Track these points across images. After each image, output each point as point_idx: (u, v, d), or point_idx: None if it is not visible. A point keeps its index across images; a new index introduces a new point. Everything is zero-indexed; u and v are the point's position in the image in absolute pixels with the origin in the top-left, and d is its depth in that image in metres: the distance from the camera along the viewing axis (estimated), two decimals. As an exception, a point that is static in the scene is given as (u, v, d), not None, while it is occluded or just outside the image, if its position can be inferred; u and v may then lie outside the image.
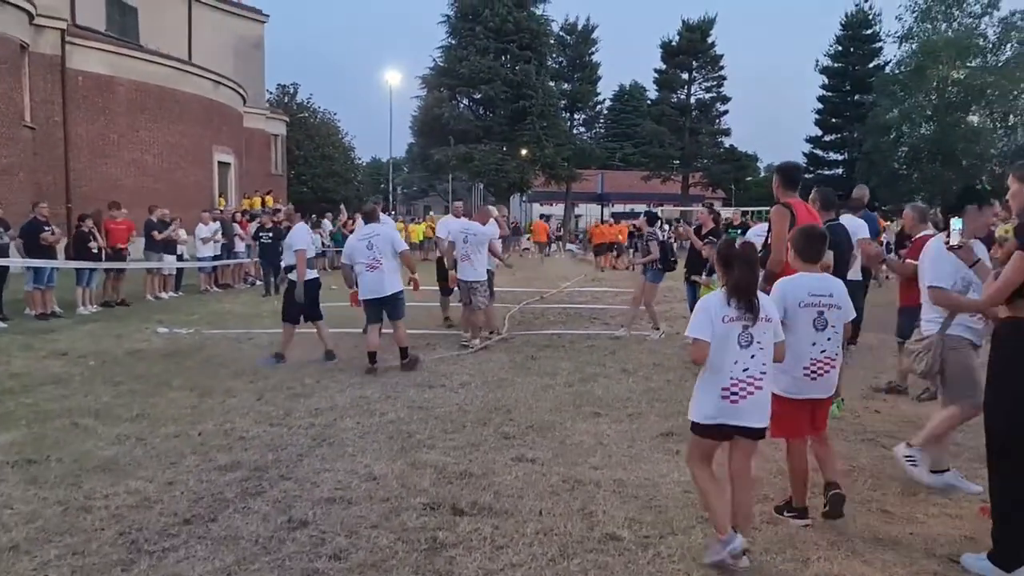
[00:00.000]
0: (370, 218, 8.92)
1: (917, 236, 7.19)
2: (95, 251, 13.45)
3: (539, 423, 6.19)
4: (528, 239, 39.47)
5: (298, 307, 8.75)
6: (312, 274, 8.89)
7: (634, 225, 28.27)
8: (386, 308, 8.53)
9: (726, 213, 21.12)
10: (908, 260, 7.07)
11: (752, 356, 3.68)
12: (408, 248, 9.62)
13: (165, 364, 8.73)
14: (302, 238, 8.70)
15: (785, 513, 4.28)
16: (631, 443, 5.64)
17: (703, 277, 10.02)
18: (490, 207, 11.58)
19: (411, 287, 8.94)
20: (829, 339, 4.15)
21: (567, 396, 7.17)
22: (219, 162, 30.89)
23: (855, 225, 8.20)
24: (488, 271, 10.39)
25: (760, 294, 3.78)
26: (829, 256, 6.15)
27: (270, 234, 16.39)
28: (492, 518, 4.24)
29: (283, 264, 9.06)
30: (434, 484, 4.77)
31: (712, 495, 3.73)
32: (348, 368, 8.52)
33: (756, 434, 3.77)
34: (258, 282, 19.38)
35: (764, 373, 3.70)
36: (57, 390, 7.37)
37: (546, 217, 47.31)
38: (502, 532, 4.05)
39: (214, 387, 7.48)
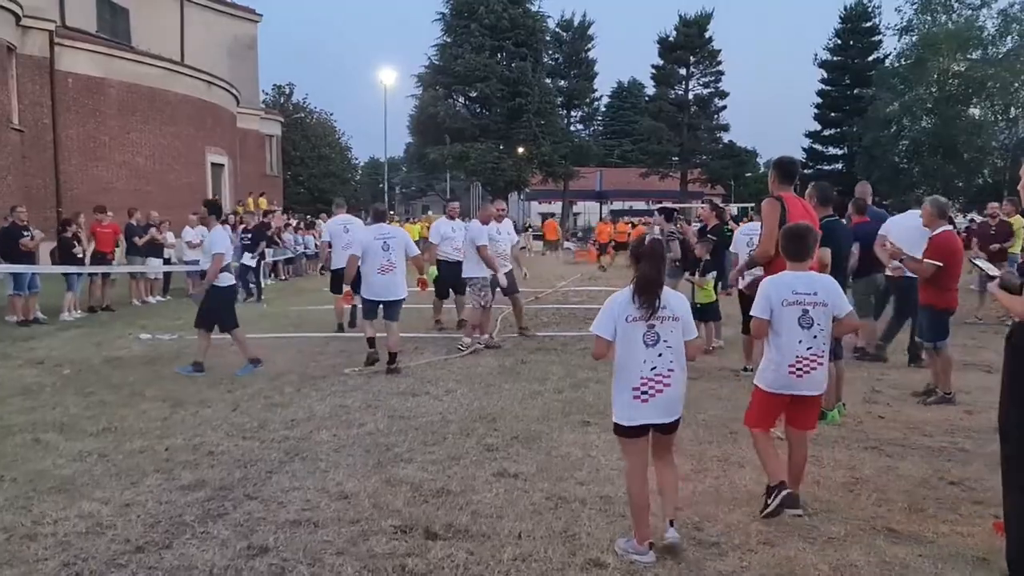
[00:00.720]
0: (380, 218, 8.95)
1: (935, 232, 6.84)
2: (79, 256, 13.15)
3: (525, 433, 5.89)
4: (521, 238, 39.19)
5: (225, 311, 8.41)
6: (229, 280, 8.51)
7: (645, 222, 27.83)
8: (385, 309, 8.45)
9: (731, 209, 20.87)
10: (927, 259, 6.75)
11: (659, 355, 3.72)
12: (419, 253, 9.46)
13: (142, 372, 8.44)
14: (221, 242, 8.36)
15: (768, 501, 4.18)
16: (621, 455, 5.30)
17: (696, 277, 9.71)
18: (495, 202, 11.17)
19: (419, 287, 9.04)
20: (815, 337, 4.16)
21: (556, 403, 6.87)
22: (212, 163, 30.56)
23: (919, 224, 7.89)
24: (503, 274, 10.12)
25: (671, 292, 3.83)
26: (826, 254, 5.89)
27: (249, 236, 16.11)
28: (467, 542, 3.93)
29: (200, 268, 8.66)
30: (408, 503, 4.47)
31: (637, 503, 3.79)
32: (331, 374, 8.23)
33: (668, 428, 3.83)
34: (250, 284, 19.09)
35: (672, 370, 3.74)
36: (26, 402, 7.08)
37: (549, 216, 46.96)
38: (477, 558, 3.75)
39: (189, 397, 7.17)
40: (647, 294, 3.71)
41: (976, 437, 5.78)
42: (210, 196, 29.39)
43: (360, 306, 9.22)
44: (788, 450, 4.45)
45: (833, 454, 5.36)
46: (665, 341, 3.73)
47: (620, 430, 3.81)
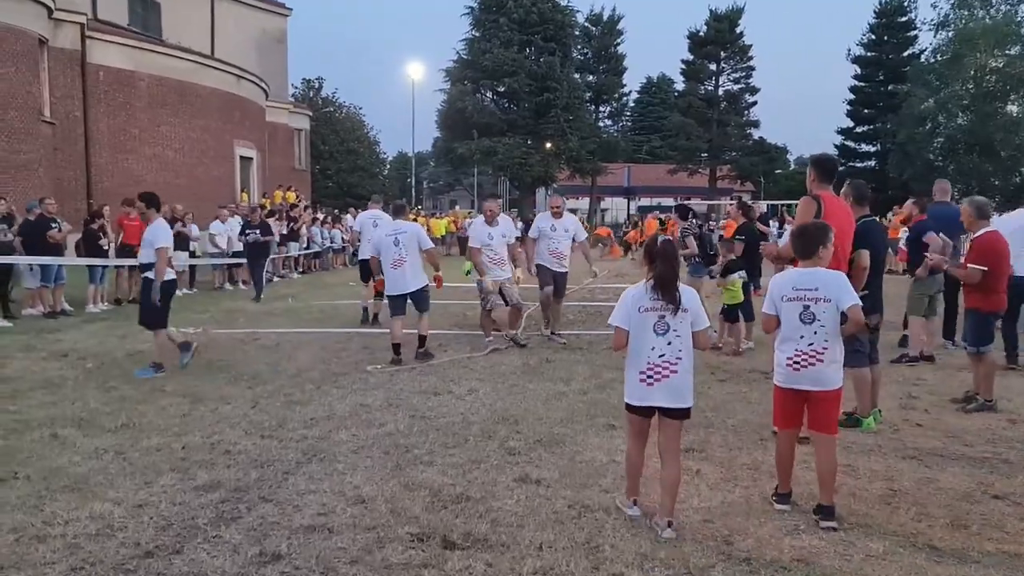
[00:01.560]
0: (398, 214, 9.26)
1: (977, 234, 6.56)
2: (105, 248, 13.17)
3: (548, 437, 5.72)
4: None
5: (161, 308, 8.10)
6: (169, 275, 8.18)
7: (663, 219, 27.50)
8: (412, 301, 8.69)
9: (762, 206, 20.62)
10: (971, 264, 6.49)
11: (668, 343, 4.01)
12: (434, 246, 9.51)
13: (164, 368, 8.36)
14: (164, 235, 8.11)
15: (772, 499, 4.42)
16: (646, 461, 5.12)
17: (718, 278, 9.48)
18: (552, 198, 10.67)
19: (434, 284, 9.01)
20: (815, 332, 4.20)
21: (581, 405, 6.69)
22: (241, 157, 30.66)
23: None
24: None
25: (682, 286, 4.06)
26: (864, 256, 5.66)
27: (257, 231, 15.72)
28: (486, 552, 3.78)
29: (139, 262, 8.33)
30: (426, 509, 4.32)
31: (632, 466, 4.31)
32: (353, 371, 8.12)
33: (674, 414, 4.06)
34: (276, 278, 19.08)
35: (680, 359, 4.01)
36: (46, 396, 7.03)
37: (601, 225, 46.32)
38: (496, 571, 3.59)
39: (208, 393, 7.10)
40: (667, 291, 3.99)
41: (1020, 447, 5.53)
42: (239, 190, 29.54)
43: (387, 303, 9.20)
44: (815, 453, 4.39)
45: (869, 464, 5.14)
46: (675, 331, 4.01)
47: (628, 407, 4.16)
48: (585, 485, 4.72)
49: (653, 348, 3.99)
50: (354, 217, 26.35)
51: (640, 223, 34.05)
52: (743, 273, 9.34)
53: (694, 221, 11.95)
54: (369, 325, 11.23)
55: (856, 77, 55.81)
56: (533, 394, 7.11)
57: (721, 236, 13.27)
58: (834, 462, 4.28)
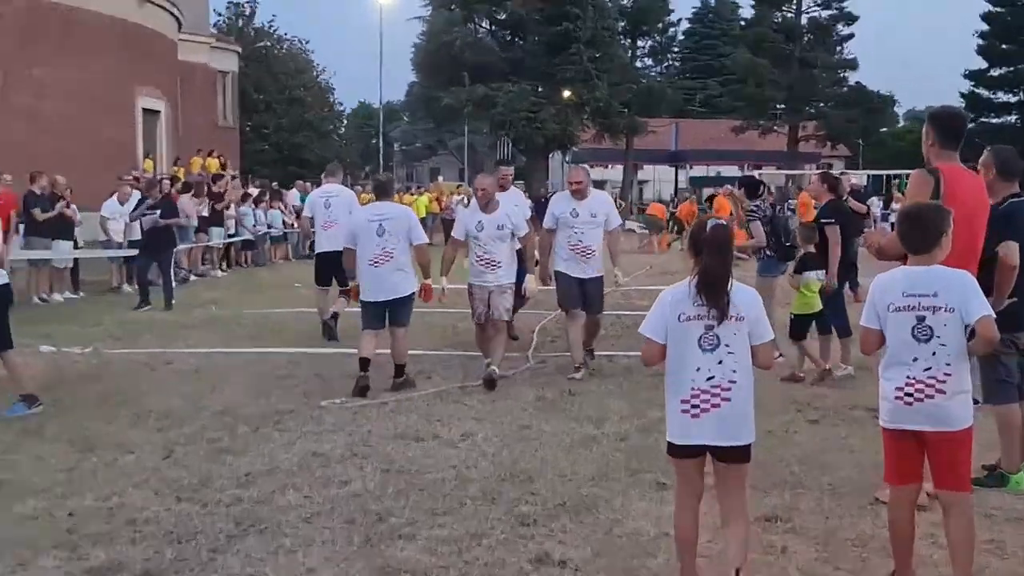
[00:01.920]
0: (382, 193, 9.37)
1: None
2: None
3: (574, 500, 5.73)
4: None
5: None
6: (1, 278, 8.01)
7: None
8: (389, 311, 8.74)
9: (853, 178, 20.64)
10: None
11: (719, 362, 4.00)
12: (426, 241, 9.52)
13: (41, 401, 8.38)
14: None
15: None
16: (712, 534, 5.08)
17: (791, 276, 9.41)
18: (572, 171, 10.47)
19: (420, 295, 9.07)
20: (934, 353, 4.16)
21: (618, 455, 6.70)
22: (144, 109, 30.89)
23: None
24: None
25: (738, 285, 4.08)
26: (1012, 250, 5.63)
27: (156, 212, 15.30)
28: (493, 664, 3.77)
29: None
30: (409, 604, 4.32)
31: (682, 536, 4.20)
32: (302, 408, 8.13)
33: (729, 455, 4.05)
34: (193, 277, 19.14)
35: (734, 382, 4.00)
36: None
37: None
38: None
39: (103, 438, 7.11)
40: (712, 292, 3.98)
41: None
42: (141, 155, 29.65)
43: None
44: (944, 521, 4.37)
45: (1021, 538, 5.12)
46: (727, 346, 4.01)
47: (671, 448, 4.19)
48: (629, 568, 4.72)
49: (699, 368, 4.00)
50: (301, 193, 26.51)
51: (697, 198, 34.01)
52: (822, 273, 9.25)
53: (766, 200, 11.90)
54: (328, 342, 11.19)
55: (991, 2, 55.89)
56: (551, 439, 7.12)
57: (801, 221, 13.26)
58: (971, 532, 4.26)
